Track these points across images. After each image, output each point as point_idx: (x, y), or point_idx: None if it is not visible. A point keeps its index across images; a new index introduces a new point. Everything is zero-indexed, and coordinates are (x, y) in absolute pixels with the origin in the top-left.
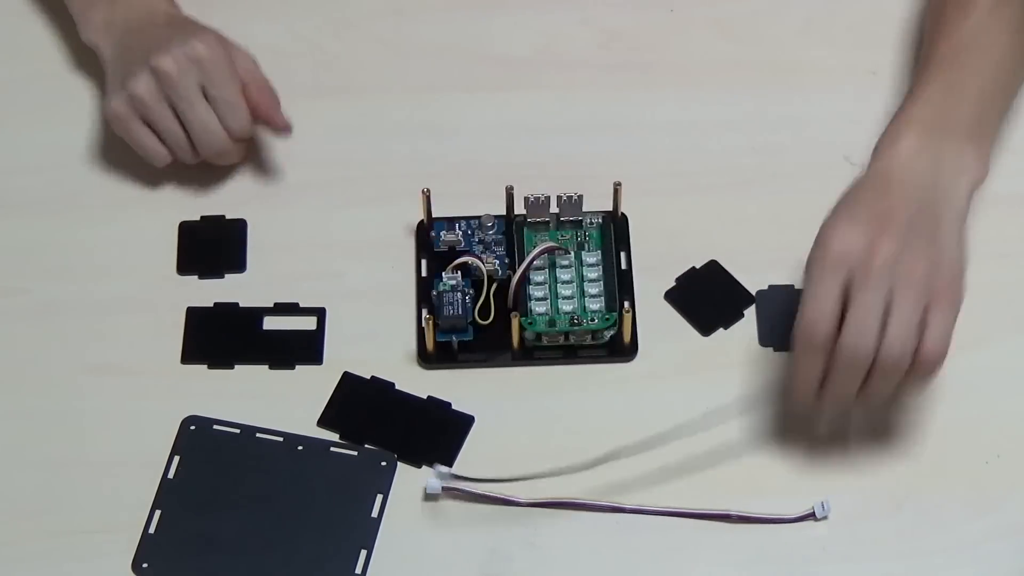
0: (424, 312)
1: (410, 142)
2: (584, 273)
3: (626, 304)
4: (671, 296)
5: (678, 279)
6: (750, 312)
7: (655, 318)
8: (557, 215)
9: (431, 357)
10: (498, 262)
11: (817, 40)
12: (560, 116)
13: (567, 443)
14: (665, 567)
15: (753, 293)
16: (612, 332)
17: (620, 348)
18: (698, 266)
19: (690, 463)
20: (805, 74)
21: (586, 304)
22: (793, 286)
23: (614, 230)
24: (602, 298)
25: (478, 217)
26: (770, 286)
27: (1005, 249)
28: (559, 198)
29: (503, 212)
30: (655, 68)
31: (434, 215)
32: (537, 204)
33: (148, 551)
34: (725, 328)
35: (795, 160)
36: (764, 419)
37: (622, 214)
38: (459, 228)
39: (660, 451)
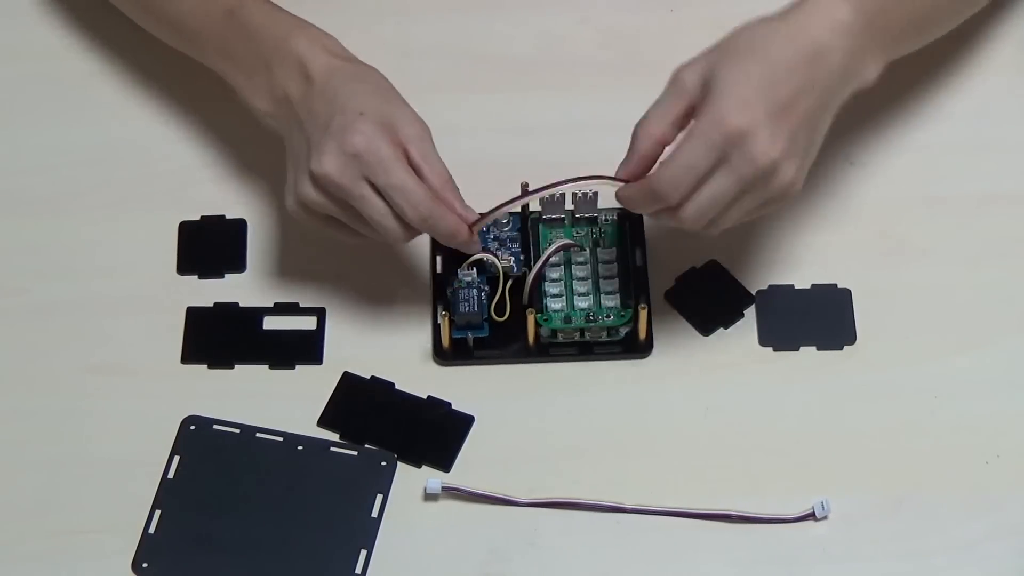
0: (440, 309)
1: None
2: (599, 270)
3: (641, 300)
4: (671, 296)
5: (678, 279)
6: (750, 312)
7: (655, 318)
8: (572, 212)
9: (447, 354)
10: (513, 259)
11: None
12: (560, 116)
13: (567, 443)
14: (665, 567)
15: (753, 293)
16: (627, 329)
17: (635, 344)
18: (698, 266)
19: (690, 463)
20: None
21: (601, 300)
22: (793, 286)
23: (630, 227)
24: (617, 295)
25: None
26: (770, 286)
27: (1005, 249)
28: (574, 195)
29: (518, 209)
30: (655, 68)
31: None
32: (552, 201)
33: (148, 551)
34: (725, 328)
35: None
36: (764, 419)
37: (640, 216)
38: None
39: (660, 451)
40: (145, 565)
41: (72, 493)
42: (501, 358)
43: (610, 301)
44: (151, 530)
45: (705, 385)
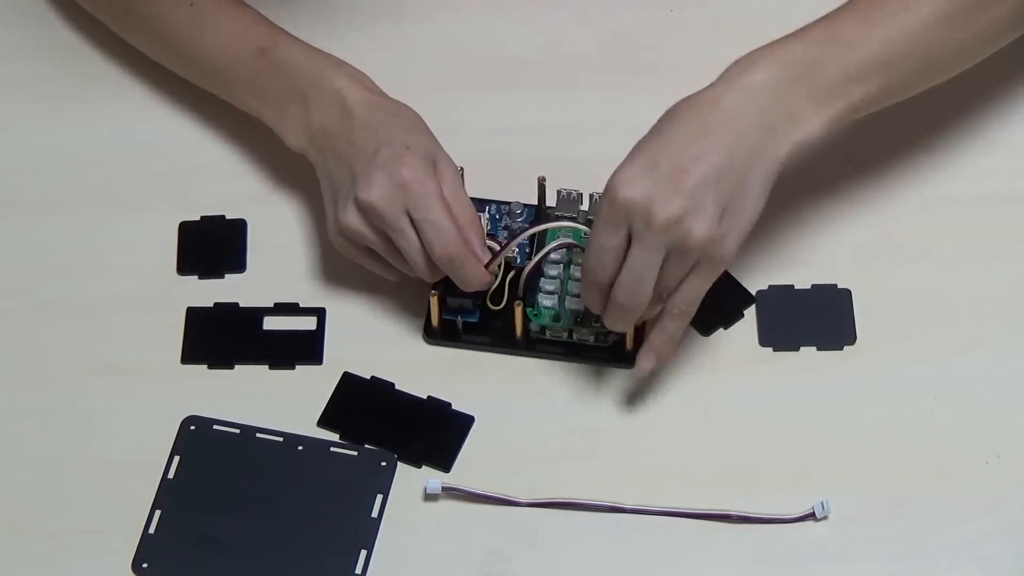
0: (432, 288)
1: None
2: None
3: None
4: None
5: None
6: (750, 312)
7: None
8: (586, 213)
9: (436, 333)
10: (518, 250)
11: None
12: (560, 116)
13: (567, 443)
14: (665, 567)
15: (753, 293)
16: (615, 337)
17: (621, 354)
18: None
19: (690, 463)
20: None
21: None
22: (793, 286)
23: None
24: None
25: (508, 203)
26: (770, 286)
27: (1005, 249)
28: (591, 196)
29: (535, 202)
30: (655, 68)
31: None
32: (568, 199)
33: (148, 551)
34: (725, 328)
35: (795, 160)
36: (764, 419)
37: None
38: (488, 211)
39: (660, 451)
40: (145, 565)
41: (72, 493)
42: (488, 345)
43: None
44: (151, 530)
45: (705, 385)
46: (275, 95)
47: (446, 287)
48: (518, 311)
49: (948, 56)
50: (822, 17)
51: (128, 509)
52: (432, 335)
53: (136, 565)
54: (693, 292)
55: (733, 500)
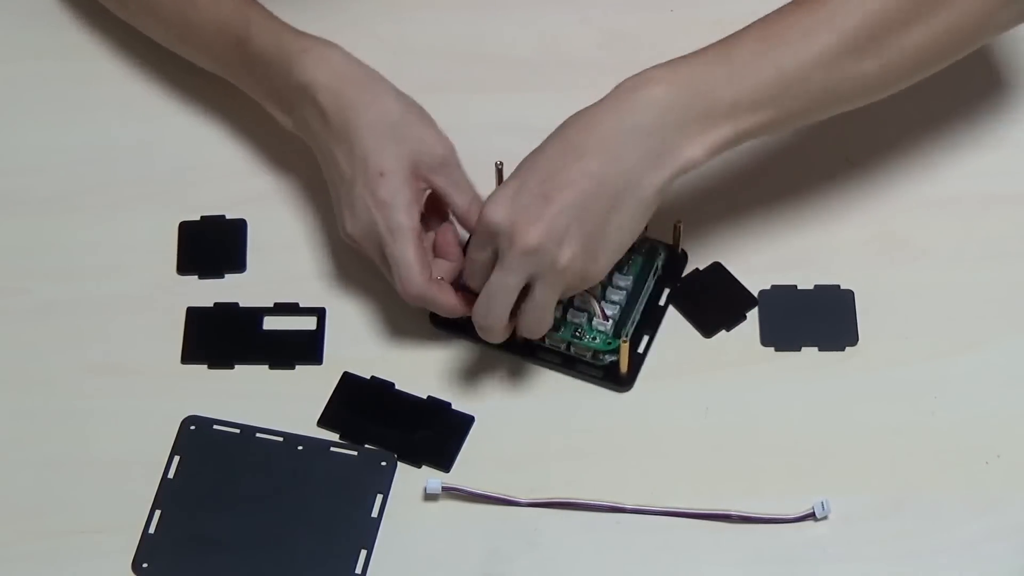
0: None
1: None
2: (607, 294)
3: (638, 337)
4: (674, 297)
5: (681, 281)
6: (752, 314)
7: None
8: None
9: (441, 321)
10: None
11: None
12: (560, 116)
13: (567, 443)
14: (665, 567)
15: (756, 293)
16: (613, 358)
17: (615, 376)
18: (701, 268)
19: (691, 463)
20: None
21: (595, 322)
22: (796, 287)
23: (663, 266)
24: (612, 322)
25: None
26: (773, 286)
27: (1005, 249)
28: None
29: None
30: None
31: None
32: None
33: (148, 551)
34: (727, 330)
35: (794, 160)
36: (765, 419)
37: (683, 251)
38: None
39: (661, 451)
40: (145, 565)
41: (72, 493)
42: (488, 343)
43: (602, 326)
44: (151, 530)
45: (706, 385)
46: (258, 91)
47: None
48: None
49: (853, 88)
50: (724, 38)
51: (128, 509)
52: (438, 322)
53: (136, 565)
54: (540, 309)
55: (733, 500)
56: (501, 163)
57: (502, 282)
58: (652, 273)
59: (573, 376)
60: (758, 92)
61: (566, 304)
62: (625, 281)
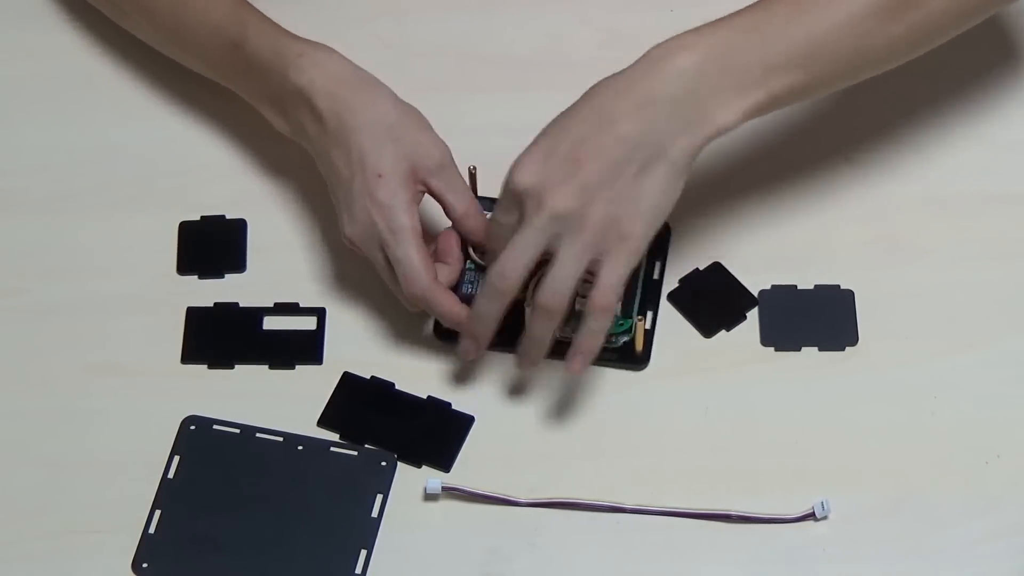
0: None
1: None
2: None
3: (642, 313)
4: (674, 297)
5: (681, 280)
6: (752, 314)
7: (658, 319)
8: None
9: (445, 332)
10: None
11: None
12: None
13: (567, 443)
14: (665, 567)
15: (756, 293)
16: (626, 339)
17: (631, 355)
18: (702, 267)
19: (691, 463)
20: None
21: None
22: (796, 286)
23: (657, 237)
24: (620, 303)
25: None
26: (773, 285)
27: (1005, 249)
28: None
29: None
30: None
31: (477, 186)
32: None
33: (148, 551)
34: (728, 330)
35: (795, 160)
36: (765, 419)
37: (666, 224)
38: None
39: (661, 451)
40: (145, 565)
41: (72, 493)
42: (497, 346)
43: None
44: (151, 530)
45: (706, 384)
46: (253, 94)
47: (455, 288)
48: (528, 311)
49: (881, 50)
50: (752, 4)
51: (128, 509)
52: (442, 333)
53: (136, 565)
54: (607, 281)
55: (733, 500)
56: (474, 167)
57: (526, 241)
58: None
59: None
60: (789, 56)
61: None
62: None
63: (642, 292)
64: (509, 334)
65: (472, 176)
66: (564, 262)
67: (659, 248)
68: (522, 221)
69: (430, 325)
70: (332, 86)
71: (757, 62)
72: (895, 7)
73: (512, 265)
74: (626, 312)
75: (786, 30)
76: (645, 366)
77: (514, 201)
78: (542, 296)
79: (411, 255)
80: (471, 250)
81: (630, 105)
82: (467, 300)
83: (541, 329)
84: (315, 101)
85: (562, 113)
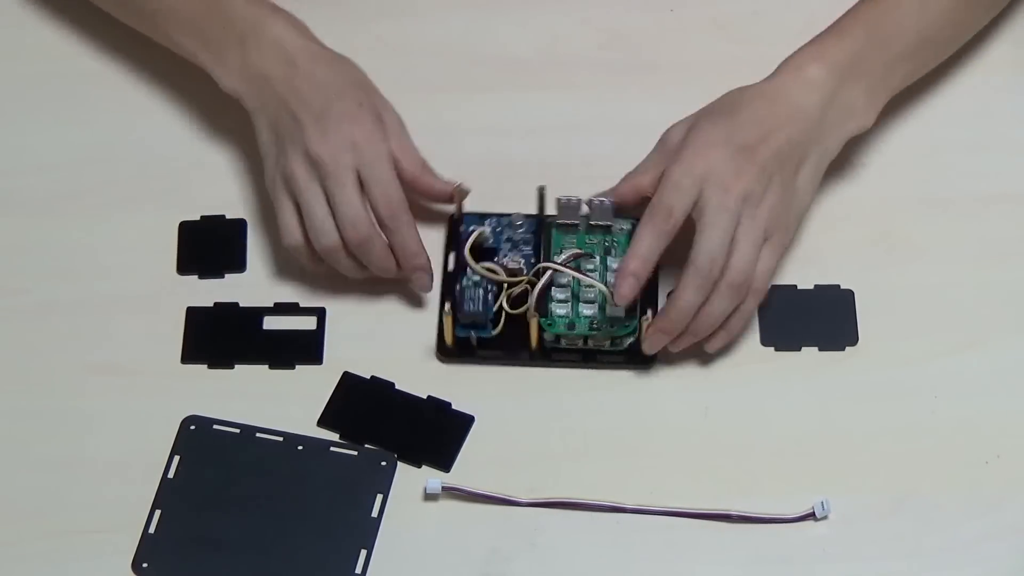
0: (446, 305)
1: None
2: (608, 279)
3: (648, 313)
4: None
5: None
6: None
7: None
8: (587, 218)
9: (450, 351)
10: (524, 261)
11: None
12: (560, 116)
13: (567, 443)
14: (665, 567)
15: None
16: (631, 340)
17: (639, 356)
18: None
19: (691, 463)
20: None
21: (607, 309)
22: (796, 286)
23: None
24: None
25: (509, 215)
26: (772, 286)
27: (1005, 249)
28: (590, 202)
29: (534, 211)
30: (655, 68)
31: (464, 202)
32: (569, 206)
33: (148, 551)
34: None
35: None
36: (765, 419)
37: None
38: (489, 224)
39: (661, 451)
40: (145, 565)
41: (72, 493)
42: (503, 359)
43: (616, 311)
44: (151, 530)
45: (706, 385)
46: (214, 37)
47: (455, 304)
48: (533, 323)
49: (969, 29)
50: (855, 9)
51: (128, 509)
52: (446, 353)
53: (136, 565)
54: (767, 265)
55: (733, 500)
56: (461, 184)
57: (723, 223)
58: None
59: (594, 368)
60: (903, 51)
61: (574, 303)
62: (619, 262)
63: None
64: (509, 346)
65: (459, 194)
66: (747, 242)
67: None
68: (709, 205)
69: (432, 332)
70: (306, 41)
71: (879, 63)
72: None
73: (720, 249)
74: (629, 314)
75: (901, 30)
76: (652, 365)
77: (691, 180)
78: (733, 276)
79: (392, 177)
80: (468, 258)
81: (785, 107)
82: (471, 317)
83: (724, 306)
84: (289, 50)
85: (717, 111)
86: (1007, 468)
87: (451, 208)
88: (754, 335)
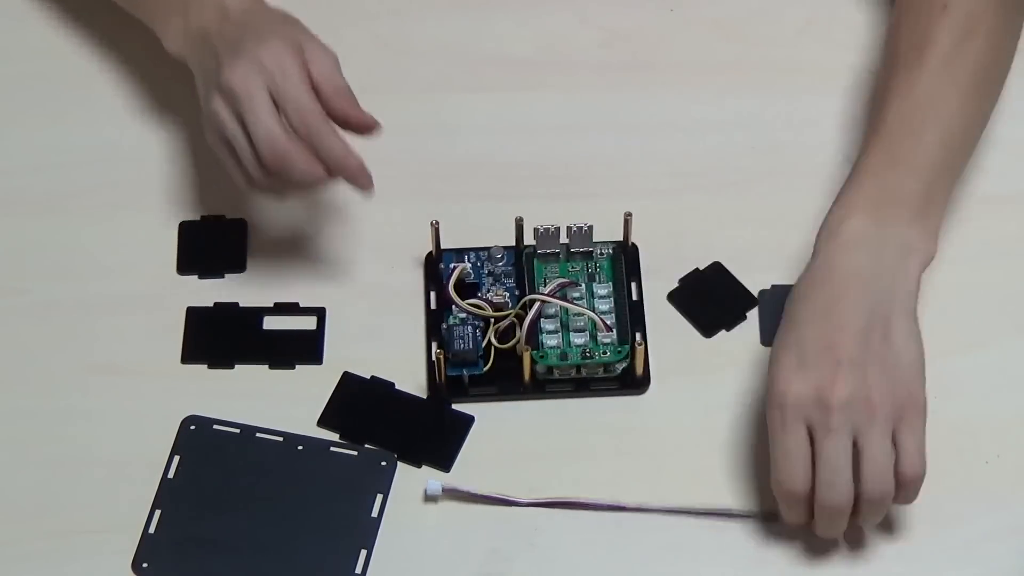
0: (435, 347)
1: (410, 142)
2: (596, 305)
3: (638, 337)
4: (674, 297)
5: (681, 280)
6: (752, 314)
7: (658, 319)
8: (567, 246)
9: (442, 391)
10: (508, 294)
11: (817, 40)
12: (560, 116)
13: (567, 443)
14: (665, 566)
15: (756, 293)
16: (624, 365)
17: (632, 380)
18: (702, 267)
19: (690, 463)
20: (805, 74)
21: (598, 337)
22: None
23: (625, 261)
24: (614, 330)
25: (487, 248)
26: (773, 285)
27: (1005, 249)
28: (569, 229)
29: (512, 243)
30: (655, 68)
31: (441, 239)
32: (547, 235)
33: (148, 551)
34: (727, 330)
35: (795, 160)
36: (765, 419)
37: (632, 244)
38: (468, 259)
39: (661, 451)
40: (145, 565)
41: (72, 493)
42: (497, 395)
43: (606, 337)
44: (151, 530)
45: (706, 385)
46: (160, 7)
47: (443, 343)
48: (526, 356)
49: (984, 113)
50: (868, 142)
51: (128, 509)
52: (438, 393)
53: (136, 565)
54: (912, 449)
55: (733, 499)
56: (437, 222)
57: (838, 447)
58: (621, 272)
59: (589, 397)
60: (935, 168)
61: (564, 333)
62: (605, 288)
63: (629, 315)
64: (502, 381)
65: (435, 230)
66: (874, 449)
67: (631, 269)
68: (818, 435)
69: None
70: (247, 3)
71: (917, 190)
72: (981, 80)
73: (842, 479)
74: (621, 340)
75: (920, 151)
76: (646, 389)
77: (795, 421)
78: (873, 490)
79: (303, 92)
80: (453, 296)
81: (840, 286)
82: (462, 356)
83: (875, 518)
84: (228, 7)
85: (783, 327)
86: (1007, 468)
87: (368, 193)
88: (754, 335)
